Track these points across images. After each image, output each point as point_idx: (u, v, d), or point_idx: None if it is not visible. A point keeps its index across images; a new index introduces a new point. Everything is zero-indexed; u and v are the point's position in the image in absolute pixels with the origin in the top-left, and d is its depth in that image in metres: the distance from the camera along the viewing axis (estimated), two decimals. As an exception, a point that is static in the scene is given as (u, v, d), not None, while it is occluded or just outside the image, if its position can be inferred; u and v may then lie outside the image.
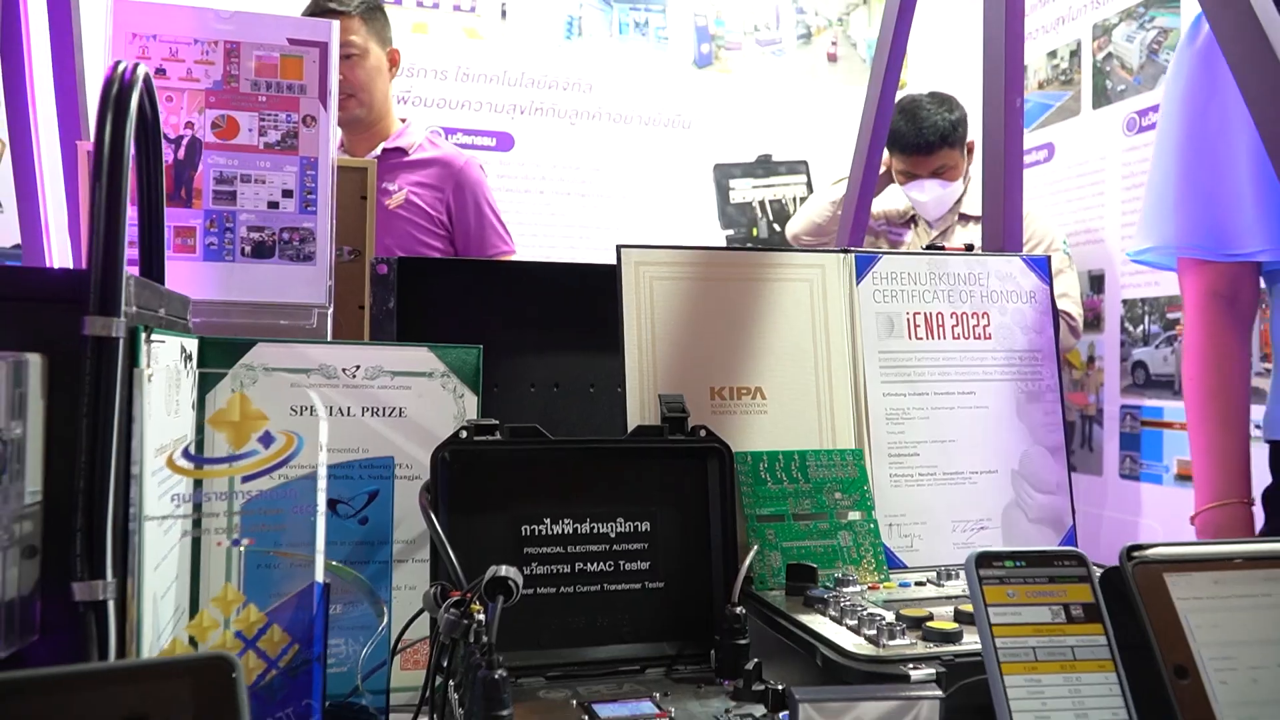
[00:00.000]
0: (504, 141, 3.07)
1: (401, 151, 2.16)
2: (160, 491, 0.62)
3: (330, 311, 1.07)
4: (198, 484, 0.64)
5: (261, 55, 1.06)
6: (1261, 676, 0.60)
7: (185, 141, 1.05)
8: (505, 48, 3.09)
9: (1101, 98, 2.57)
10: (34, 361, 0.57)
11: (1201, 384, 1.19)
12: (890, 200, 2.47)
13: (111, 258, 0.58)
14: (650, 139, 3.18)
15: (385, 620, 0.65)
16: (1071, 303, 2.36)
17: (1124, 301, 2.44)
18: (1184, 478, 2.22)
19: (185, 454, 0.60)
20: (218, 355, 0.77)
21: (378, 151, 2.16)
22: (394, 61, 2.24)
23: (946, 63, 3.06)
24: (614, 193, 3.13)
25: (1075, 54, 2.67)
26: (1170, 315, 2.31)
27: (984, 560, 0.62)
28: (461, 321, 1.09)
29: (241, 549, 0.61)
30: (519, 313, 1.13)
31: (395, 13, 2.82)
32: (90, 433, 0.58)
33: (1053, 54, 2.75)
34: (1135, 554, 0.63)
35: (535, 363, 1.12)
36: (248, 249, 1.05)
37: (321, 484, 0.58)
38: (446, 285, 1.11)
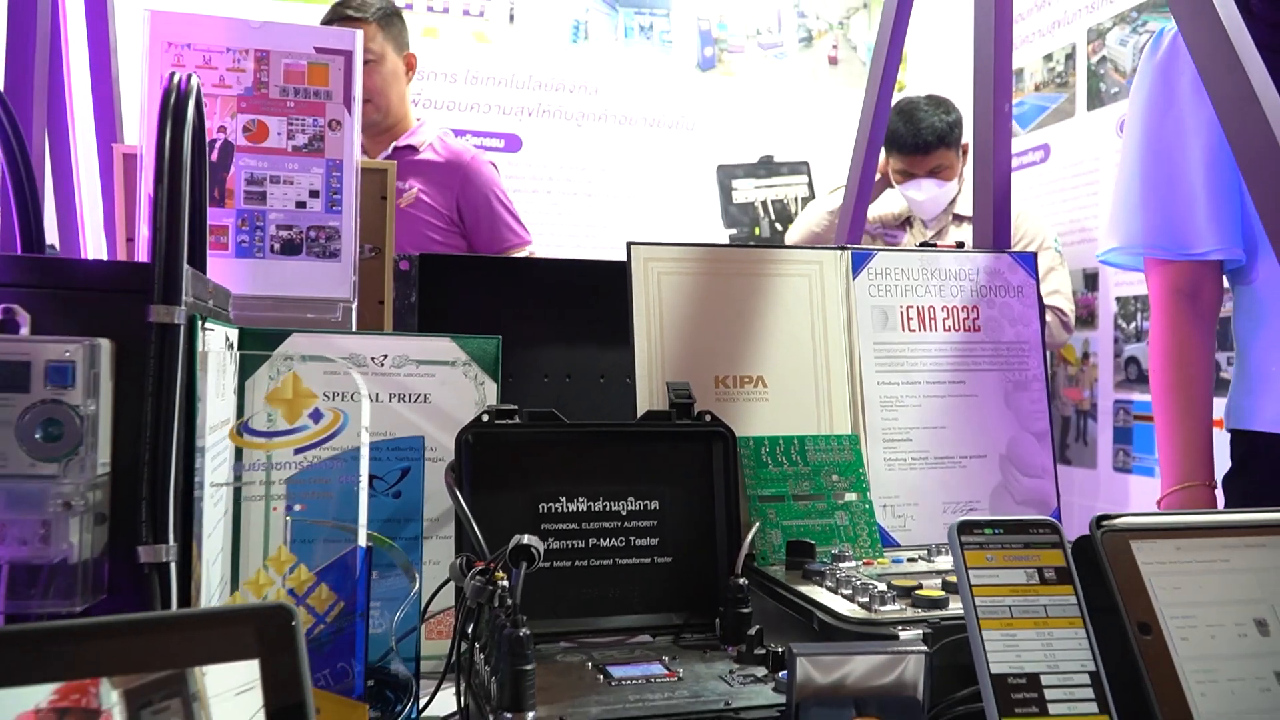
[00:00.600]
0: (512, 143, 3.12)
1: (412, 150, 2.21)
2: (213, 465, 0.68)
3: (355, 306, 1.13)
4: (242, 457, 0.70)
5: (289, 63, 1.12)
6: (1219, 633, 0.66)
7: (218, 145, 1.11)
8: (513, 51, 3.14)
9: (1095, 100, 2.62)
10: (104, 346, 0.62)
11: (1165, 376, 1.24)
12: (886, 204, 2.53)
13: (173, 252, 0.65)
14: (655, 140, 3.23)
15: (417, 585, 0.70)
16: (1063, 299, 2.41)
17: (1117, 299, 2.49)
18: (1175, 470, 2.28)
19: (246, 428, 0.66)
20: (256, 344, 0.83)
21: (389, 151, 2.21)
22: (410, 65, 2.29)
23: (944, 66, 3.12)
24: (620, 193, 3.18)
25: (1070, 57, 2.72)
26: (1162, 312, 2.37)
27: (965, 528, 0.67)
28: (479, 315, 1.15)
29: (288, 518, 0.67)
30: (533, 307, 1.19)
31: (405, 17, 2.88)
32: (154, 410, 0.64)
33: (1048, 57, 2.81)
34: (1104, 523, 0.69)
35: (548, 354, 1.18)
36: (277, 246, 1.11)
37: (364, 454, 0.64)
38: (464, 280, 1.17)
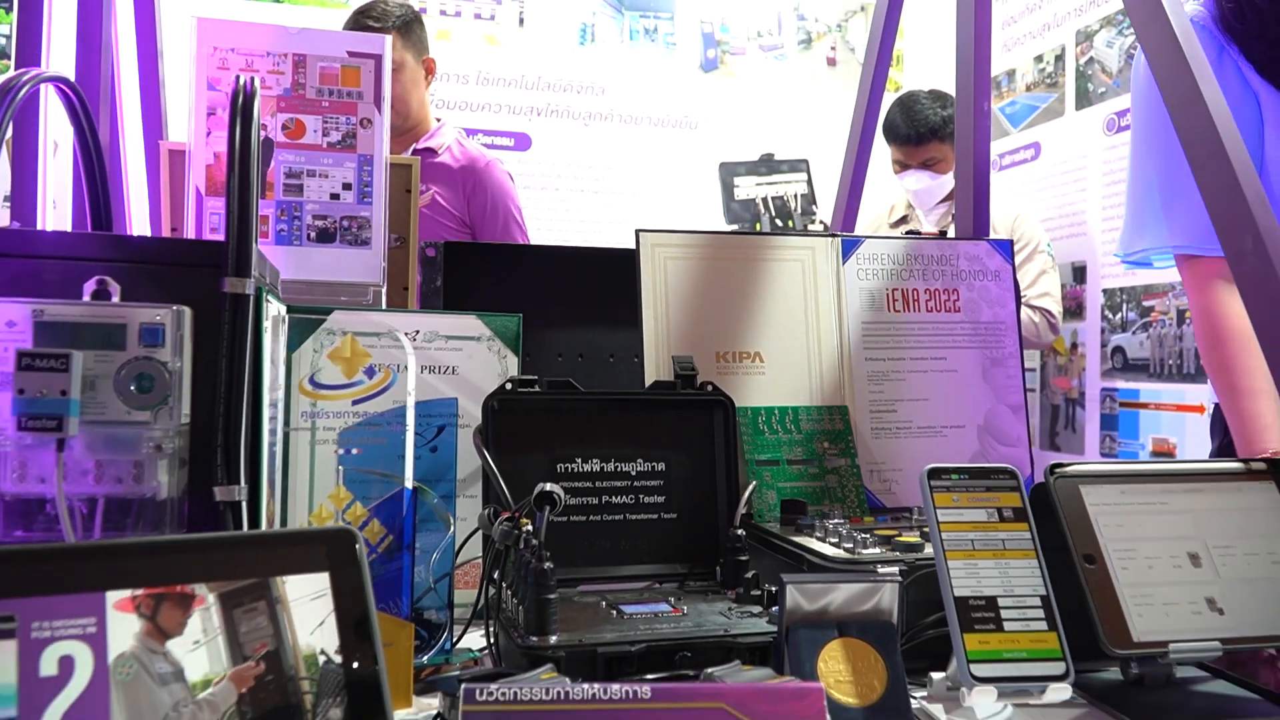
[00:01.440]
0: (522, 141, 3.21)
1: (431, 152, 2.30)
2: (270, 417, 0.77)
3: (384, 290, 1.22)
4: (293, 410, 0.80)
5: (325, 66, 1.21)
6: (1155, 563, 0.75)
7: (260, 141, 1.20)
8: (523, 53, 3.23)
9: (1084, 100, 2.71)
10: (186, 312, 0.72)
11: (1213, 359, 1.25)
12: (880, 202, 2.63)
13: (244, 231, 0.74)
14: (659, 139, 3.32)
15: (452, 529, 0.80)
16: (1052, 300, 2.50)
17: (1104, 291, 2.58)
18: (1159, 454, 2.37)
19: (313, 381, 0.76)
20: (301, 320, 0.92)
21: (409, 152, 2.30)
22: (429, 70, 2.37)
23: (939, 67, 3.21)
24: (625, 189, 3.27)
25: (1060, 59, 2.81)
26: (1146, 303, 2.46)
27: (935, 473, 0.77)
28: (498, 298, 1.24)
29: (340, 467, 0.76)
30: (548, 291, 1.28)
31: (420, 21, 2.97)
32: (228, 369, 0.73)
33: (1039, 58, 2.90)
34: (1057, 470, 0.79)
35: (562, 335, 1.27)
36: (313, 235, 1.21)
37: (410, 406, 0.74)
38: (485, 266, 1.26)
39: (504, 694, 0.57)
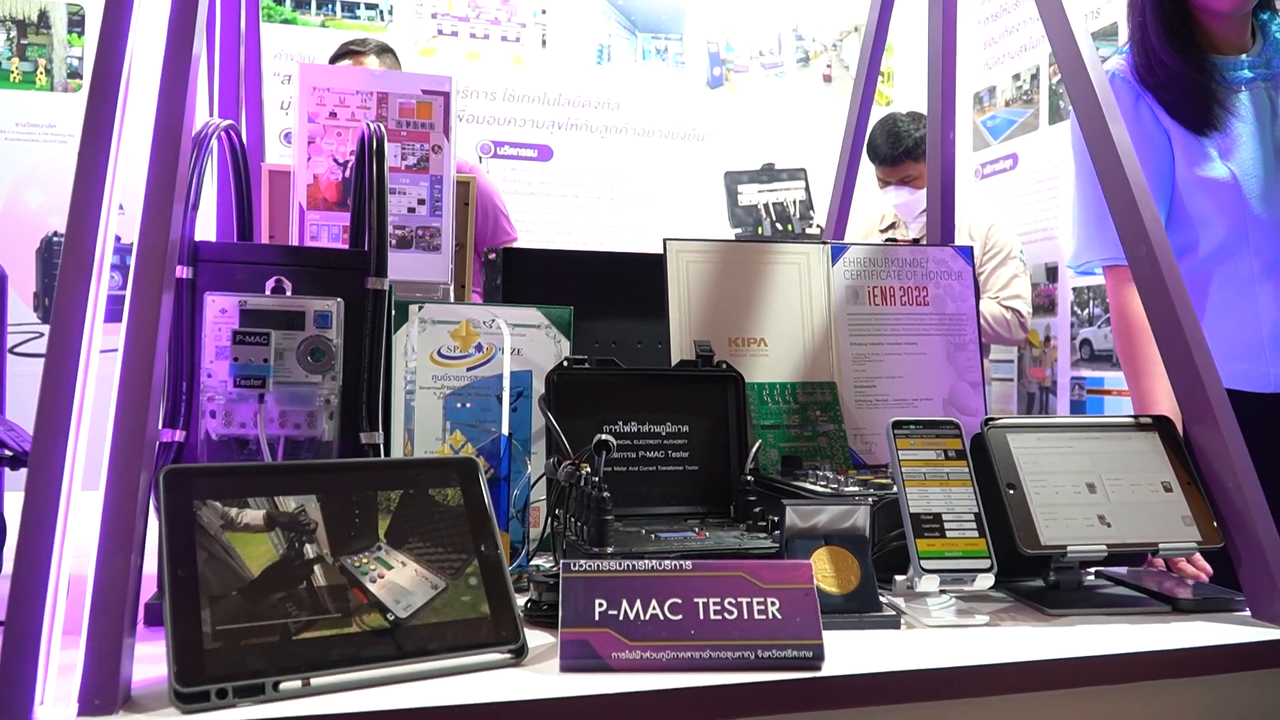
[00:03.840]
0: (544, 153, 3.42)
1: None
2: (407, 380, 1.02)
3: (451, 289, 1.47)
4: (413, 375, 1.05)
5: (403, 101, 1.46)
6: (1060, 491, 1.00)
7: (350, 164, 1.45)
8: (545, 72, 3.44)
9: (1056, 115, 2.96)
10: (339, 303, 0.97)
11: (1128, 345, 1.47)
12: (867, 214, 2.87)
13: (382, 241, 0.99)
14: (669, 150, 3.53)
15: (529, 469, 1.05)
16: (1023, 302, 2.72)
17: (1073, 289, 2.83)
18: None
19: (439, 353, 1.01)
20: (402, 310, 1.17)
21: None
22: None
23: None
24: (638, 196, 3.48)
25: (1035, 77, 3.06)
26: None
27: (897, 424, 1.02)
28: (547, 294, 1.48)
29: (447, 421, 1.01)
30: (587, 289, 1.51)
31: (452, 44, 3.19)
32: (370, 346, 0.98)
33: (1016, 77, 3.15)
34: (990, 422, 1.04)
35: (599, 326, 1.51)
36: (394, 242, 1.45)
37: (506, 373, 0.99)
38: (536, 268, 1.51)
39: (590, 565, 0.82)
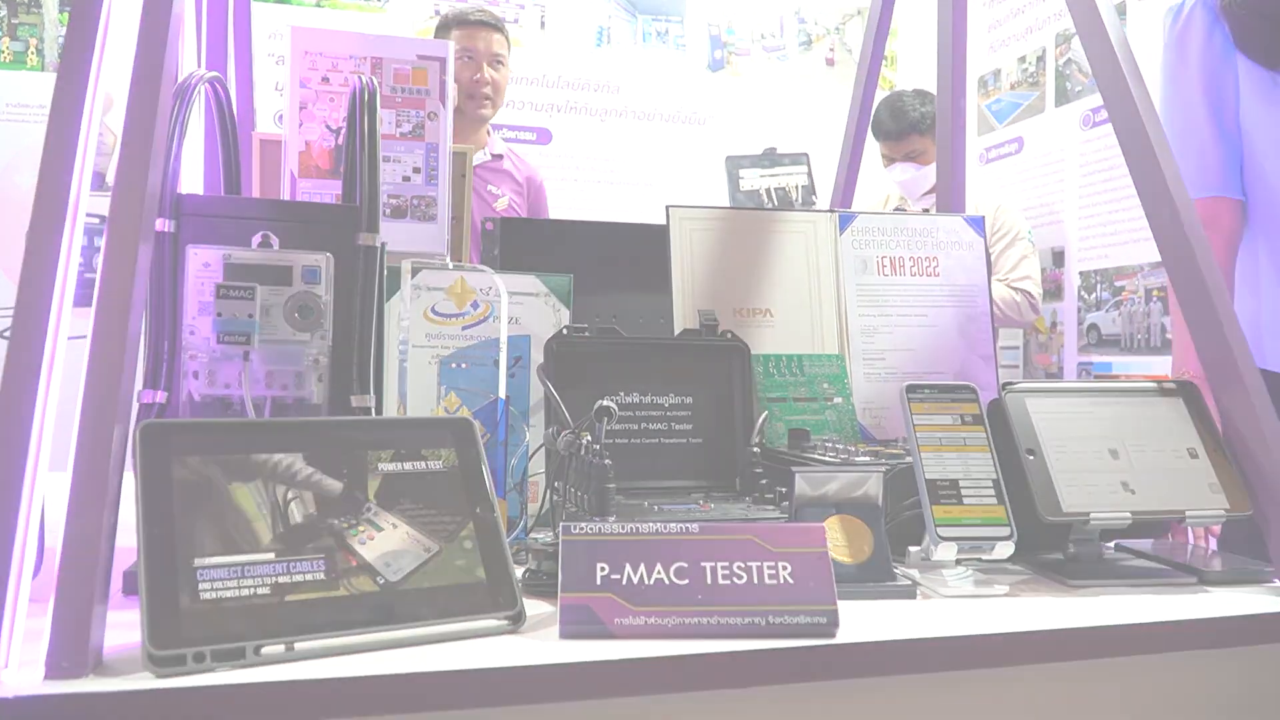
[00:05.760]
0: (543, 136, 3.40)
1: (500, 158, 2.57)
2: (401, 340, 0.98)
3: (448, 258, 1.43)
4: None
5: (398, 67, 1.42)
6: (1081, 456, 0.96)
7: (343, 131, 1.41)
8: (544, 54, 3.42)
9: (1063, 97, 2.92)
10: (331, 258, 0.93)
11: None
12: (876, 199, 2.84)
13: (374, 196, 0.95)
14: (670, 134, 3.51)
15: (527, 437, 1.01)
16: (1033, 284, 2.69)
17: (1080, 273, 2.79)
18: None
19: (434, 311, 0.97)
20: (395, 275, 1.13)
21: (486, 156, 2.53)
22: None
23: (932, 64, 3.41)
24: (639, 180, 3.45)
25: (1041, 59, 3.02)
26: (1118, 283, 2.67)
27: (912, 389, 0.97)
28: (545, 265, 1.44)
29: (442, 386, 0.97)
30: (587, 260, 1.47)
31: (446, 25, 3.15)
32: (361, 305, 0.94)
33: (1022, 59, 3.11)
34: (1009, 387, 1.00)
35: (599, 299, 1.47)
36: (388, 212, 1.40)
37: (503, 335, 0.95)
38: (534, 238, 1.47)
39: (592, 528, 0.78)
